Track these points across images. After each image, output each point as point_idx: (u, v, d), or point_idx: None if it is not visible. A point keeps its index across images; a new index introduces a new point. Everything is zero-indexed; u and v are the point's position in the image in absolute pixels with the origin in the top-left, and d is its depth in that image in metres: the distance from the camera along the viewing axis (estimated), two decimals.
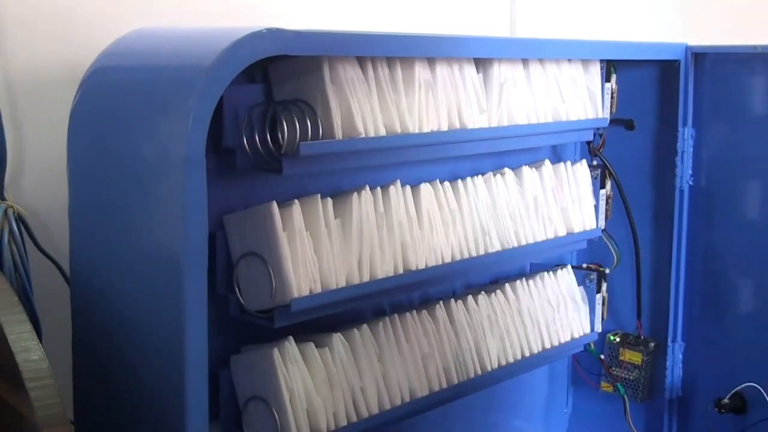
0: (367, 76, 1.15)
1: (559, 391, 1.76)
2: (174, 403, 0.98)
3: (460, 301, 1.36)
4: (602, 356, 1.67)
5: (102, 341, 1.09)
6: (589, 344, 1.63)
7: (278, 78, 1.12)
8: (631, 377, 1.64)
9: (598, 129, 1.59)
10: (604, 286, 1.60)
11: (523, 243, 1.40)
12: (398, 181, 1.24)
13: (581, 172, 1.54)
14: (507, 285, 1.45)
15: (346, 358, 1.18)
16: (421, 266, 1.25)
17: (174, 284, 0.96)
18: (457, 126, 1.26)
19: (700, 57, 1.55)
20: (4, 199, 1.17)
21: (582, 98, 1.49)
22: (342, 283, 1.15)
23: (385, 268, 1.20)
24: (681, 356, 1.61)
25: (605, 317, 1.62)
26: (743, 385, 1.51)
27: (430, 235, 1.26)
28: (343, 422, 1.17)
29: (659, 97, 1.60)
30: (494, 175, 1.39)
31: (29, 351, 0.88)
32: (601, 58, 1.53)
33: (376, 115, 1.15)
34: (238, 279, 1.11)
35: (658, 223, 1.63)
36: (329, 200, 1.15)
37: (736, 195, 1.56)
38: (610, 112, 1.58)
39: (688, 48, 1.54)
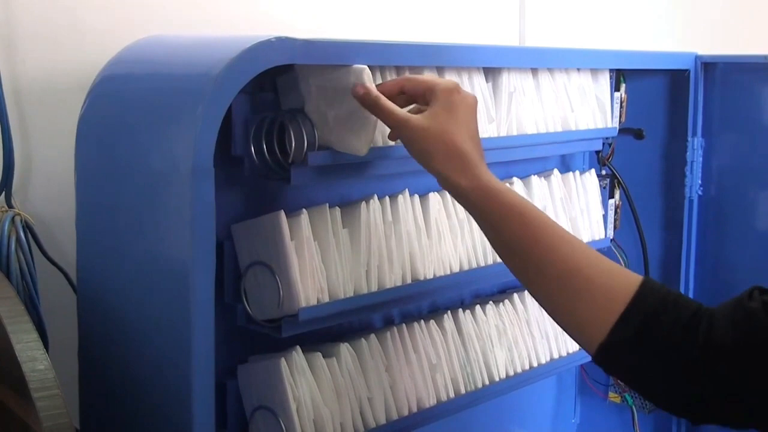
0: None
1: (566, 401, 1.75)
2: (180, 413, 0.97)
3: (468, 311, 1.36)
4: None
5: (108, 350, 1.08)
6: None
7: (285, 87, 1.12)
8: None
9: (607, 138, 1.58)
10: None
11: None
12: (407, 190, 1.23)
13: (590, 181, 1.54)
14: (515, 295, 1.44)
15: (353, 368, 1.18)
16: (430, 276, 1.24)
17: (181, 293, 0.96)
18: None
19: (710, 66, 1.54)
20: (11, 207, 1.17)
21: (591, 107, 1.48)
22: (350, 293, 1.15)
23: (393, 278, 1.19)
24: None
25: None
26: None
27: (438, 244, 1.26)
28: None
29: (669, 106, 1.60)
30: None
31: (35, 360, 0.88)
32: (610, 68, 1.52)
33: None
34: (245, 288, 1.10)
35: (667, 233, 1.62)
36: (337, 209, 1.15)
37: (746, 205, 1.55)
38: (620, 122, 1.57)
39: (697, 57, 1.54)
